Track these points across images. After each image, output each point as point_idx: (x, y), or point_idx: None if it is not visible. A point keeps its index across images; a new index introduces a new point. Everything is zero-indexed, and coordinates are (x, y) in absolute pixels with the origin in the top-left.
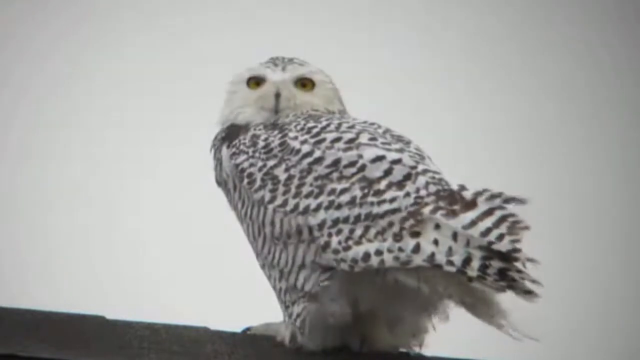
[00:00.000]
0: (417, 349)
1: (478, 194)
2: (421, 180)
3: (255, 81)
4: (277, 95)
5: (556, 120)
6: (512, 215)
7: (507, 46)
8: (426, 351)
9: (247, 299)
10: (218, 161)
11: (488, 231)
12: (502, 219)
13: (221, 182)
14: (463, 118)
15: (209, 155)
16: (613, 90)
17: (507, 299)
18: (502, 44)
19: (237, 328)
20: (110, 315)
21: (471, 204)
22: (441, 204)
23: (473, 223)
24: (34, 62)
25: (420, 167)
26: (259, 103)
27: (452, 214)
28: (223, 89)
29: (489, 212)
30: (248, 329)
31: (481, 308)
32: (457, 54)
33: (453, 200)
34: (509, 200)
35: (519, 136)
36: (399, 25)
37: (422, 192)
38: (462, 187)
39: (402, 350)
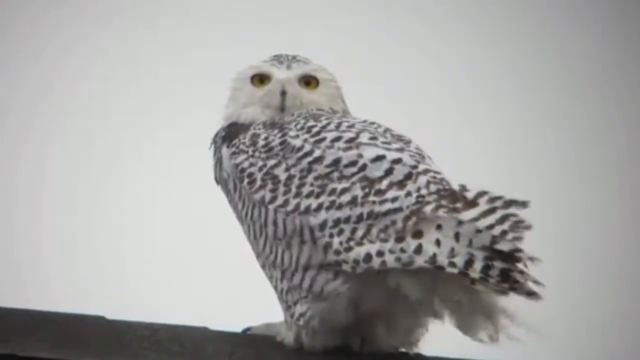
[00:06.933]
0: (417, 349)
1: (479, 194)
2: (422, 179)
3: (260, 79)
4: (283, 93)
5: (557, 118)
6: (513, 215)
7: (514, 40)
8: (426, 351)
9: (247, 299)
10: (218, 160)
11: (490, 228)
12: (504, 218)
13: (220, 181)
14: (466, 116)
15: (209, 153)
16: (614, 87)
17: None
18: (509, 38)
19: (237, 328)
20: (110, 315)
21: (473, 203)
22: (443, 202)
23: (475, 220)
24: (32, 58)
25: (421, 167)
26: (264, 101)
27: (454, 212)
28: (224, 86)
29: (491, 211)
30: (248, 329)
31: (478, 314)
32: (460, 51)
33: (454, 199)
34: (509, 203)
35: (521, 133)
36: (399, 26)
37: (424, 191)
38: (464, 188)
39: (402, 350)
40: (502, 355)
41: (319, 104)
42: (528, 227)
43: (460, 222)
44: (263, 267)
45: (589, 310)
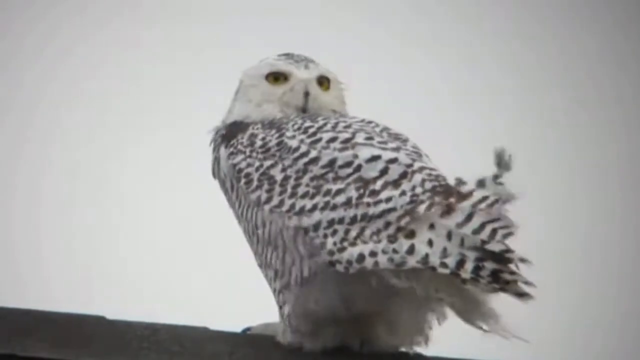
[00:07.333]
0: (417, 349)
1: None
2: (417, 178)
3: (275, 76)
4: (307, 94)
5: (557, 118)
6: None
7: (514, 40)
8: (426, 351)
9: (247, 299)
10: (216, 159)
11: (482, 227)
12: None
13: (218, 180)
14: (466, 116)
15: (209, 151)
16: (614, 87)
17: (499, 300)
18: (509, 38)
19: (237, 328)
20: (110, 315)
21: (467, 196)
22: (437, 199)
23: (468, 217)
24: (31, 58)
25: (417, 165)
26: (284, 99)
27: (448, 208)
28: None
29: (482, 201)
30: (248, 329)
31: (472, 310)
32: (460, 51)
33: (448, 194)
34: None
35: (521, 133)
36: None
37: (418, 190)
38: (460, 181)
39: (402, 350)
40: (502, 355)
41: (332, 106)
42: (516, 227)
43: (449, 233)
44: (260, 266)
45: (589, 310)
